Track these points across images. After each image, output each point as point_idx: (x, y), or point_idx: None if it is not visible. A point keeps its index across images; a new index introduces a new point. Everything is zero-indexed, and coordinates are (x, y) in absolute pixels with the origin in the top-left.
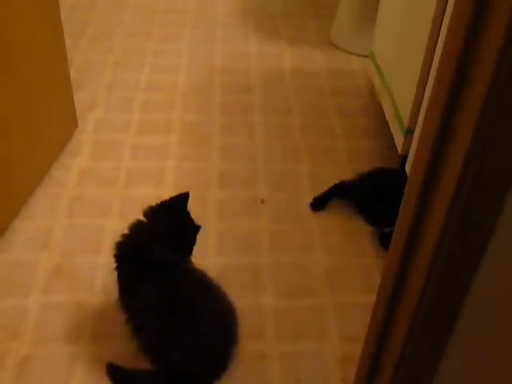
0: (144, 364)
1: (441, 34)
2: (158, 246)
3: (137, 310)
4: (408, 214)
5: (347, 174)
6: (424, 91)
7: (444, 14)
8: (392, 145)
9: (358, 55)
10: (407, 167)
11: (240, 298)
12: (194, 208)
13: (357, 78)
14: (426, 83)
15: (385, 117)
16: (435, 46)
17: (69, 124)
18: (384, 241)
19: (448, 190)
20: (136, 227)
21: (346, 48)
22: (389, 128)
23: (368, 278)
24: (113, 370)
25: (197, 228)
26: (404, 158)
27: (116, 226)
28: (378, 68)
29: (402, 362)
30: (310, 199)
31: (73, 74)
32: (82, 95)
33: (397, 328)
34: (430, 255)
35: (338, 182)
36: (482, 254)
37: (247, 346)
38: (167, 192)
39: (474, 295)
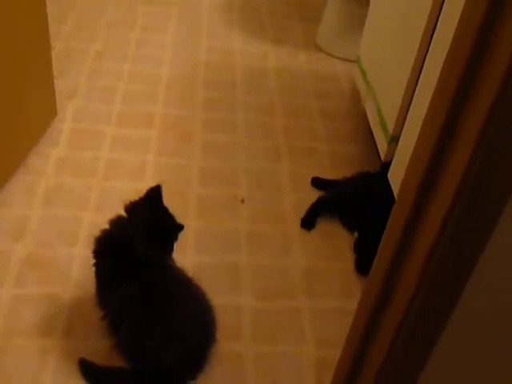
0: (117, 362)
1: (432, 44)
2: (139, 243)
3: (114, 306)
4: (393, 238)
5: (328, 177)
6: (411, 100)
7: (436, 24)
8: (373, 150)
9: (341, 59)
10: (390, 175)
11: (217, 297)
12: (173, 204)
13: (339, 81)
14: (414, 92)
15: (366, 122)
16: (425, 56)
17: (48, 112)
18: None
19: (437, 222)
20: (116, 223)
21: (330, 51)
22: (370, 133)
23: (345, 283)
24: (85, 366)
25: (179, 227)
26: (384, 163)
27: (93, 218)
28: (363, 74)
29: (383, 373)
30: (290, 200)
31: (53, 60)
32: (62, 83)
33: (379, 341)
34: (418, 272)
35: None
36: (470, 272)
37: (224, 346)
38: (147, 186)
39: (461, 311)
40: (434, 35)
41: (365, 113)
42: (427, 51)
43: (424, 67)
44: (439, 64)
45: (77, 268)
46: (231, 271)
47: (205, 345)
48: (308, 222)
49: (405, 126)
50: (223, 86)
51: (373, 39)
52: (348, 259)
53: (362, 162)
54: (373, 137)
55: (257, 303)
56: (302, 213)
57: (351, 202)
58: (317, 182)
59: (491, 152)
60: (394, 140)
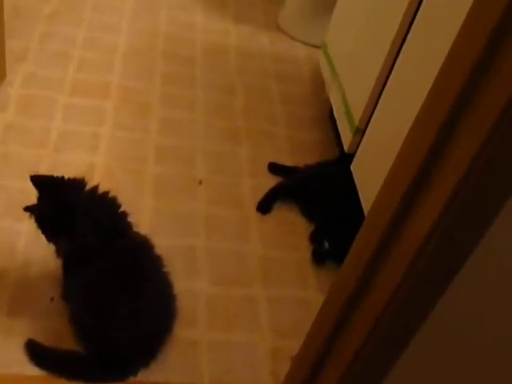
0: (67, 343)
1: (409, 36)
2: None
3: (75, 289)
4: (374, 238)
5: (286, 162)
6: (381, 93)
7: (416, 13)
8: (331, 138)
9: (303, 43)
10: (353, 167)
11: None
12: (128, 182)
13: (300, 65)
14: (385, 85)
15: (326, 109)
16: (400, 47)
17: None
18: (317, 257)
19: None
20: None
21: (292, 34)
22: (329, 121)
23: (301, 273)
24: (33, 348)
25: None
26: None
27: None
28: (329, 61)
29: (348, 373)
30: (248, 184)
31: None
32: (12, 44)
33: (348, 341)
34: (398, 274)
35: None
36: (449, 282)
37: (179, 333)
38: (101, 160)
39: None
40: (413, 26)
41: (325, 100)
42: (403, 43)
43: (398, 59)
44: (416, 58)
45: (23, 243)
46: (187, 254)
47: (162, 333)
48: (264, 207)
49: (373, 119)
50: (182, 60)
51: (342, 26)
52: (305, 248)
53: (320, 149)
54: (332, 125)
55: (213, 289)
56: (259, 198)
57: (310, 191)
58: (273, 168)
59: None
60: (359, 131)
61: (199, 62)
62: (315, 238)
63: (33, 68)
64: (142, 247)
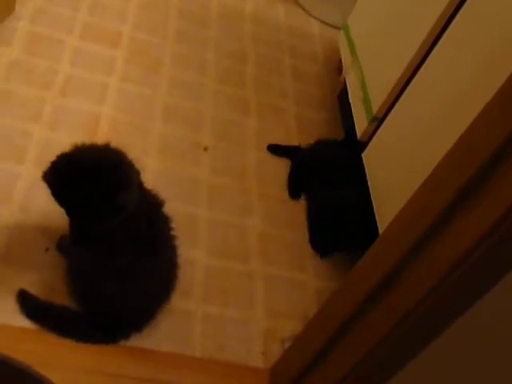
0: (60, 298)
1: (452, 26)
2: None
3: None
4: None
5: (292, 139)
6: (407, 83)
7: (457, 12)
8: (339, 120)
9: (319, 20)
10: (365, 156)
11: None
12: (133, 138)
13: (314, 42)
14: (413, 77)
15: (336, 91)
16: (437, 39)
17: (4, 5)
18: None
19: None
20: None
21: (308, 10)
22: (338, 103)
23: (299, 254)
24: (25, 299)
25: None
26: (349, 133)
27: (45, 136)
28: (350, 43)
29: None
30: (254, 157)
31: None
32: None
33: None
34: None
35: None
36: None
37: (173, 301)
38: (106, 112)
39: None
40: (459, 14)
41: (336, 81)
42: (440, 35)
43: (435, 49)
44: (457, 49)
45: (21, 188)
46: (187, 222)
47: (160, 301)
48: (294, 193)
49: (394, 110)
50: (197, 20)
51: (370, 8)
52: (305, 230)
53: (326, 129)
54: (340, 106)
55: (211, 260)
56: (264, 172)
57: (314, 169)
58: (274, 149)
59: None
60: (375, 120)
61: (213, 24)
62: (317, 244)
63: (43, 4)
64: (156, 210)
